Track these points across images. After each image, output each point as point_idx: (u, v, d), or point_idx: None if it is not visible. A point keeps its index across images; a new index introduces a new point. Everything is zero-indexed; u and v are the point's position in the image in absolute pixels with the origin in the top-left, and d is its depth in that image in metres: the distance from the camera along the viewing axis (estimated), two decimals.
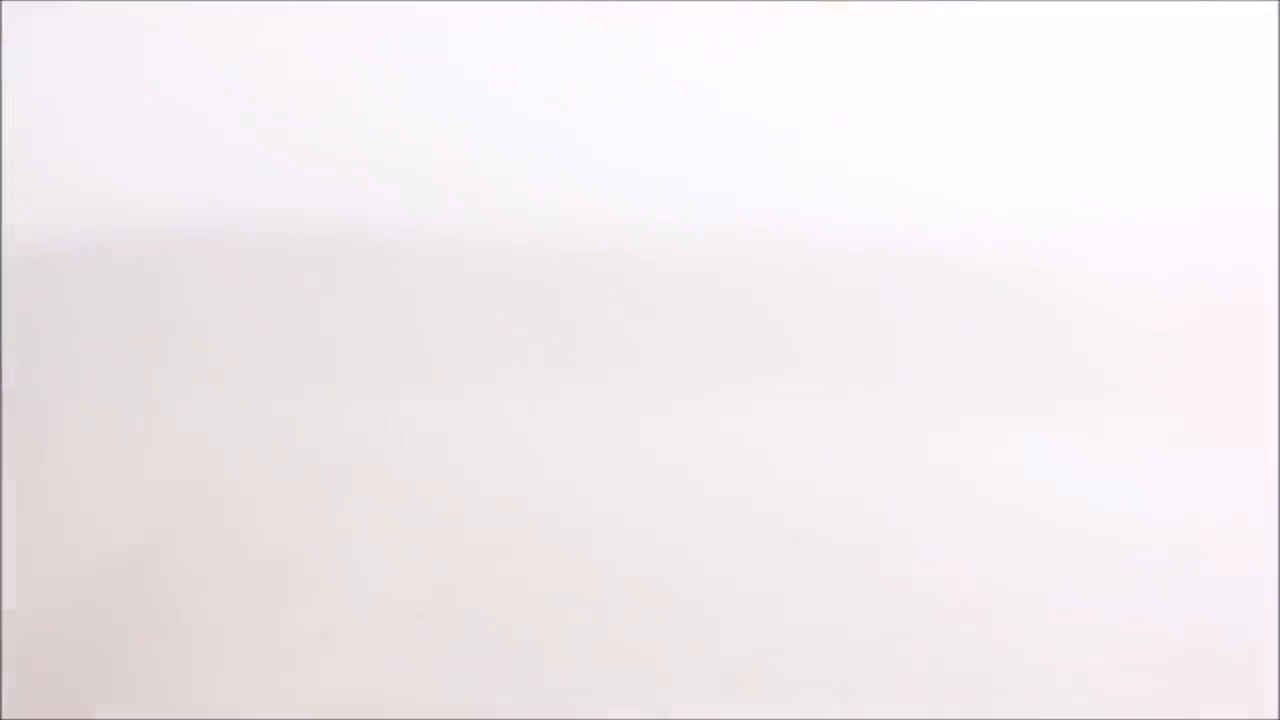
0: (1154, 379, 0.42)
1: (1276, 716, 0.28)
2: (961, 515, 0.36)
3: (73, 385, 0.38)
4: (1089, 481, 0.38)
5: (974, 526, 0.36)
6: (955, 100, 0.80)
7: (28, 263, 0.41)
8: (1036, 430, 0.39)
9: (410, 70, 0.78)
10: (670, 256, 0.56)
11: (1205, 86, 0.77)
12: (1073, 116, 0.79)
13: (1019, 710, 0.29)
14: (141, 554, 0.34)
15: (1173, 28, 0.79)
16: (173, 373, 0.39)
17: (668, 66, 0.78)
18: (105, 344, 0.40)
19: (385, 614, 0.33)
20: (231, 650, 0.31)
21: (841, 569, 0.35)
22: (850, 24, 0.81)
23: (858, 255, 0.63)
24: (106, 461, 0.39)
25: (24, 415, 0.34)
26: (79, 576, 0.33)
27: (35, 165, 0.44)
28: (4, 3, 0.77)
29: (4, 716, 0.27)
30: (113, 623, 0.31)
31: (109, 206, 0.45)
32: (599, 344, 0.44)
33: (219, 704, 0.29)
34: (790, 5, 0.77)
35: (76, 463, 0.38)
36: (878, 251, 0.64)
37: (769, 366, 0.46)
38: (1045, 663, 0.31)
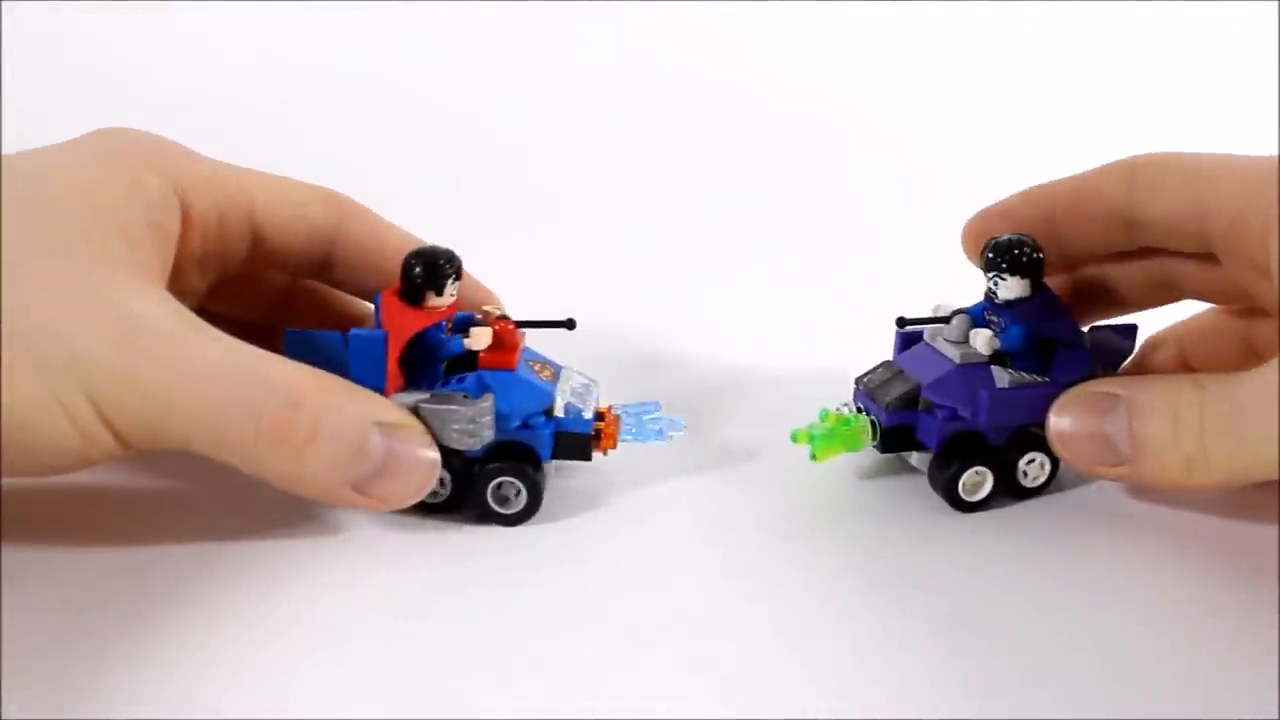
0: None
1: (1276, 717, 0.28)
2: None
3: None
4: None
5: None
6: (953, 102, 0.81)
7: None
8: None
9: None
10: None
11: (1205, 87, 0.77)
12: (1071, 118, 0.79)
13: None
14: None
15: (1173, 28, 0.79)
16: None
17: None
18: None
19: None
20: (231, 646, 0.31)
21: None
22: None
23: None
24: None
25: None
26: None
27: None
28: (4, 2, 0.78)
29: (4, 717, 0.27)
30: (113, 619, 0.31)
31: None
32: None
33: (218, 703, 0.28)
34: None
35: None
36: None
37: None
38: None
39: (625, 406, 0.39)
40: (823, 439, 0.38)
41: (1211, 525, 0.37)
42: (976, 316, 0.38)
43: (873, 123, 0.78)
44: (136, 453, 0.32)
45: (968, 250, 0.41)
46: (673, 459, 0.41)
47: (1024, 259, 0.36)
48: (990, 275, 0.37)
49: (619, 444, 0.38)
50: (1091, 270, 0.40)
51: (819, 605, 0.33)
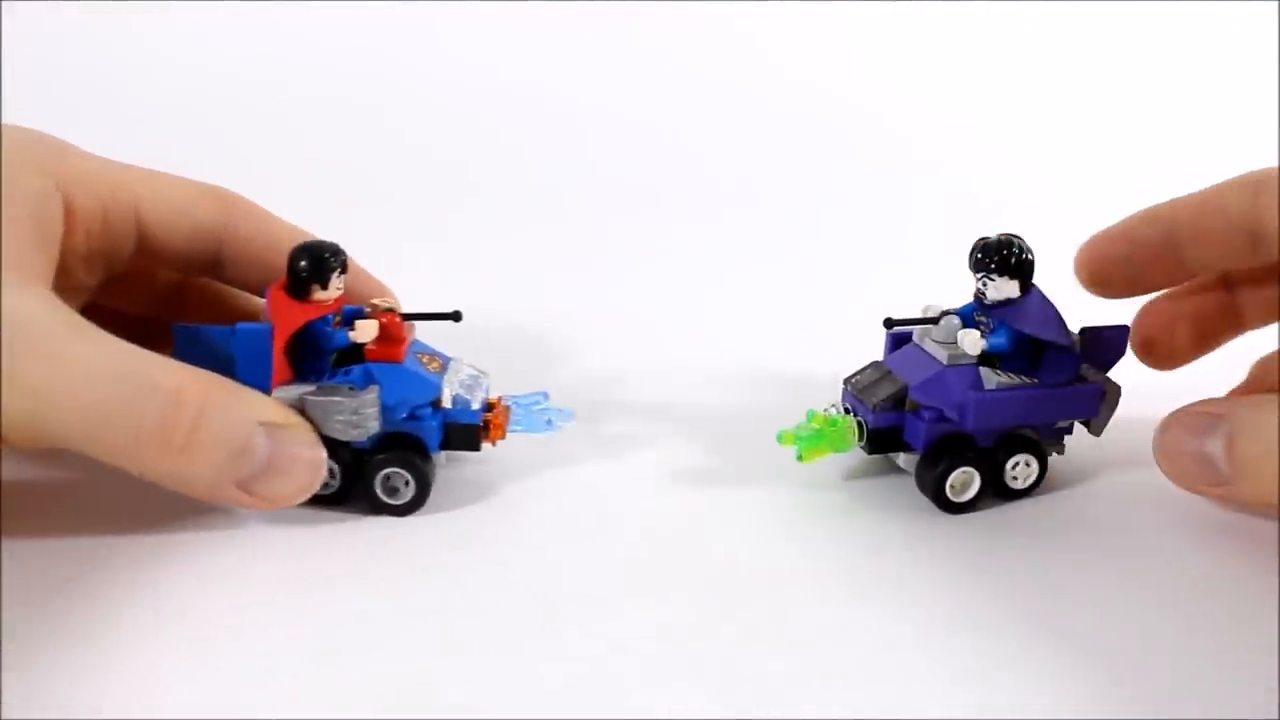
0: None
1: (1276, 716, 0.28)
2: None
3: None
4: None
5: None
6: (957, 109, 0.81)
7: None
8: None
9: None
10: None
11: (1205, 88, 0.77)
12: (1072, 122, 0.79)
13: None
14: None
15: (1174, 29, 0.79)
16: None
17: None
18: None
19: None
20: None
21: None
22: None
23: None
24: None
25: None
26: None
27: None
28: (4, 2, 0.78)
29: (4, 716, 0.27)
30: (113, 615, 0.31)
31: None
32: None
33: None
34: None
35: None
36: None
37: None
38: None
39: (514, 397, 0.40)
40: (809, 440, 0.38)
41: (1202, 526, 0.37)
42: (966, 317, 0.38)
43: (863, 122, 0.77)
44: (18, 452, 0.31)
45: (1082, 278, 0.40)
46: (664, 458, 0.41)
47: (1013, 260, 0.36)
48: (979, 276, 0.36)
49: (508, 434, 0.38)
50: (1213, 288, 0.40)
51: (803, 605, 0.33)
